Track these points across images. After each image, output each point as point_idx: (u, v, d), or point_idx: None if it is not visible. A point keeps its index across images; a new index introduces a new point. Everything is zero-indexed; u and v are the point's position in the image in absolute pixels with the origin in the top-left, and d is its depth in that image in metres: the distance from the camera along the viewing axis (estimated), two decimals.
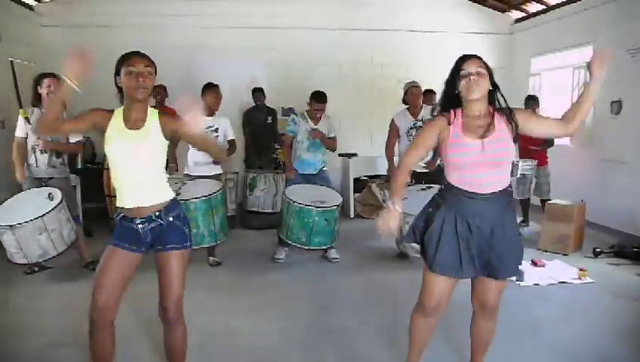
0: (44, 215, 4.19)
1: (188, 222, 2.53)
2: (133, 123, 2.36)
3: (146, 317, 3.61)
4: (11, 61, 6.46)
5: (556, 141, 6.24)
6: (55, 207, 4.28)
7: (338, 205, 4.89)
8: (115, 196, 6.36)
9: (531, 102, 6.42)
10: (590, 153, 6.71)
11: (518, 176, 6.01)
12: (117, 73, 2.36)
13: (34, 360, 3.09)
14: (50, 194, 4.39)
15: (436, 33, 8.27)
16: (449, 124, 2.34)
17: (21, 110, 4.71)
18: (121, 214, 2.45)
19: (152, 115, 2.40)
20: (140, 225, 2.40)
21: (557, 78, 7.63)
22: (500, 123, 2.31)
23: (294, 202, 4.81)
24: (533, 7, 8.00)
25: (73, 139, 4.64)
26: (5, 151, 6.39)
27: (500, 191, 2.33)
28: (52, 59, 7.14)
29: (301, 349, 3.25)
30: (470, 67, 2.27)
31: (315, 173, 5.30)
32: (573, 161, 6.79)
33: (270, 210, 6.55)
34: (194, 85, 5.35)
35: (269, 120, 7.37)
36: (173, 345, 2.55)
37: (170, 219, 2.43)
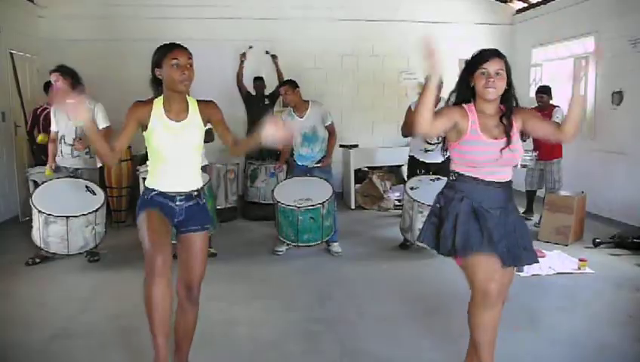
0: (97, 210, 4.46)
1: None
2: (177, 114, 2.44)
3: None
4: (11, 53, 6.46)
5: None
6: (104, 203, 4.58)
7: (324, 202, 4.81)
8: (115, 188, 6.36)
9: (545, 96, 6.19)
10: (591, 144, 6.70)
11: (519, 167, 6.00)
12: (157, 65, 2.40)
13: (38, 351, 3.10)
14: (87, 187, 4.59)
15: (437, 24, 8.21)
16: (467, 117, 2.33)
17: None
18: (156, 192, 2.47)
19: (192, 103, 2.49)
20: (178, 203, 2.48)
21: (558, 69, 7.61)
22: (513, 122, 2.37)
23: (278, 202, 4.85)
24: None
25: (101, 126, 4.61)
26: (6, 143, 6.42)
27: (510, 180, 2.41)
28: (51, 50, 7.14)
29: (301, 340, 3.26)
30: (491, 67, 2.28)
31: (314, 164, 5.21)
32: (574, 152, 6.77)
33: (271, 201, 6.54)
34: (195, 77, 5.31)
35: (266, 101, 7.30)
36: (186, 328, 2.61)
37: (204, 201, 2.58)
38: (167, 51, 2.39)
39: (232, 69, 7.50)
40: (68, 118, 4.60)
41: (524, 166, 6.01)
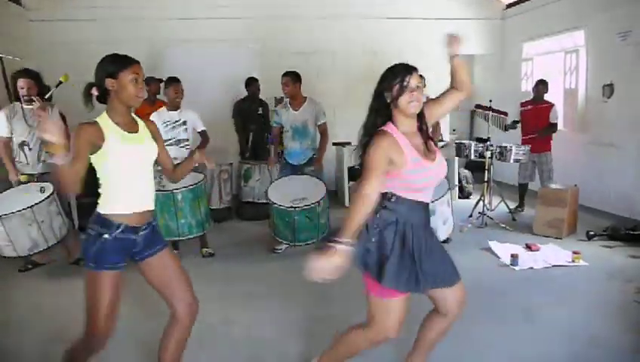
0: (33, 205, 4.18)
1: None
2: (130, 126, 2.33)
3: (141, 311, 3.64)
4: (0, 57, 6.43)
5: None
6: (45, 199, 4.27)
7: (319, 200, 4.82)
8: None
9: (541, 86, 6.46)
10: (583, 137, 6.74)
11: (511, 161, 6.05)
12: (110, 75, 2.23)
13: (33, 357, 3.10)
14: (42, 187, 4.37)
15: (428, 20, 8.23)
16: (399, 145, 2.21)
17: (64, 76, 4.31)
18: (121, 228, 2.26)
19: (136, 118, 2.41)
20: (141, 233, 2.33)
21: (548, 63, 7.64)
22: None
23: (274, 204, 4.84)
24: None
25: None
26: None
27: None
28: (41, 54, 7.11)
29: (298, 338, 3.27)
30: (412, 80, 2.22)
31: (303, 162, 5.24)
32: (567, 146, 6.82)
33: (265, 201, 6.54)
34: (186, 79, 5.31)
35: (260, 110, 7.31)
36: (182, 341, 2.50)
37: (155, 223, 2.47)
38: (127, 64, 2.25)
39: (222, 69, 7.45)
40: (26, 123, 4.45)
41: (517, 160, 6.07)
